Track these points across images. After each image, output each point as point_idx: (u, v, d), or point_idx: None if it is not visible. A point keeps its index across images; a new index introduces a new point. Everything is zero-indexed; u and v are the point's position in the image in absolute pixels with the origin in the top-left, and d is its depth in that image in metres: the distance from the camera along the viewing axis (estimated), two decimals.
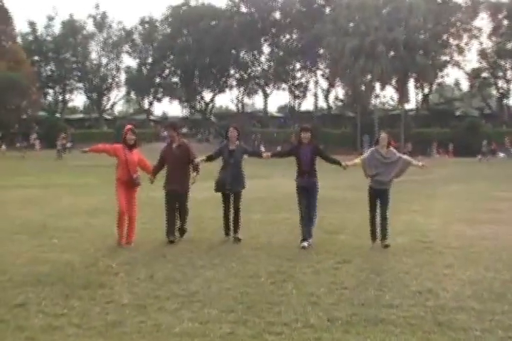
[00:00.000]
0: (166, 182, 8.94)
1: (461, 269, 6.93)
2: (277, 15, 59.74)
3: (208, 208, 11.62)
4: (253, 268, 7.10)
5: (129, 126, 8.99)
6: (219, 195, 9.19)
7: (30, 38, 63.34)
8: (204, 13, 60.00)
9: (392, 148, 8.69)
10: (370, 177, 8.63)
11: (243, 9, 60.39)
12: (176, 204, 8.93)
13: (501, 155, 38.76)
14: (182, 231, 9.04)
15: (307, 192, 8.57)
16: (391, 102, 62.99)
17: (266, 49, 61.53)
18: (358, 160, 8.87)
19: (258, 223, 10.47)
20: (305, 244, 8.28)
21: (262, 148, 41.98)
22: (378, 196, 8.60)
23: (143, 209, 10.10)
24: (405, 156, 9.03)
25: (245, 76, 62.88)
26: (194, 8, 62.05)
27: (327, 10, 55.82)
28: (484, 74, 49.51)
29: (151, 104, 66.12)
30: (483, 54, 49.09)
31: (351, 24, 49.16)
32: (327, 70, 56.67)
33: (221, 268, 7.13)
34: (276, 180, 19.37)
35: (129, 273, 6.92)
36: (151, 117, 66.96)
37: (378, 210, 8.65)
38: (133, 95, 67.52)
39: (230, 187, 8.89)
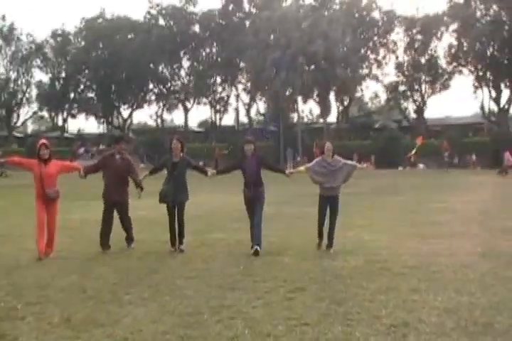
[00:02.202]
0: (105, 192, 9.14)
1: (430, 294, 6.08)
2: (196, 28, 58.77)
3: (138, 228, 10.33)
4: (192, 302, 5.96)
5: (41, 141, 8.87)
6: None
7: None
8: (120, 25, 58.14)
9: (336, 156, 9.06)
10: (319, 185, 8.96)
11: (161, 22, 58.99)
12: (114, 213, 9.16)
13: (421, 166, 39.40)
14: (129, 239, 9.35)
15: (254, 203, 8.71)
16: (309, 116, 63.41)
17: (185, 63, 60.38)
18: (302, 168, 9.24)
19: (190, 246, 9.30)
20: (257, 248, 8.37)
21: (201, 163, 40.70)
22: (328, 203, 8.92)
23: (59, 236, 8.99)
24: (349, 161, 9.35)
25: (164, 91, 61.38)
26: (110, 20, 60.02)
27: (247, 23, 55.47)
28: (401, 88, 50.64)
29: (65, 120, 63.21)
30: (399, 67, 50.26)
31: (272, 37, 49.00)
32: (248, 84, 56.22)
33: (153, 303, 5.95)
34: (205, 195, 18.21)
35: (39, 316, 5.61)
36: (66, 134, 63.97)
37: (327, 219, 8.96)
38: (45, 112, 64.24)
39: (173, 198, 8.87)
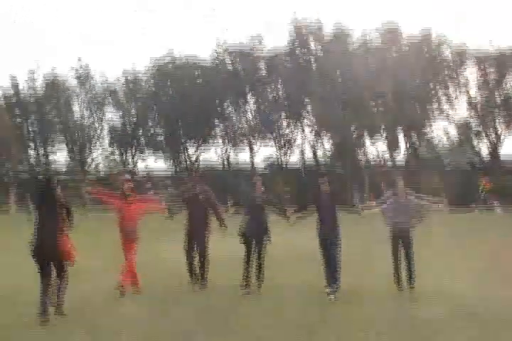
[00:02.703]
0: (187, 227, 9.45)
1: None
2: (263, 71, 59.33)
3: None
4: None
5: (125, 177, 9.43)
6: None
7: (14, 100, 61.95)
8: (187, 65, 59.34)
9: (410, 194, 8.99)
10: (391, 226, 8.85)
11: (227, 60, 59.95)
12: (196, 248, 9.33)
13: (498, 211, 37.35)
14: (204, 276, 9.41)
15: (330, 241, 8.42)
16: (376, 158, 62.11)
17: (251, 101, 60.69)
18: (376, 209, 9.07)
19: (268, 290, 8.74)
20: (331, 297, 7.91)
21: None
22: (401, 243, 8.73)
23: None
24: (420, 201, 9.16)
25: (230, 132, 61.85)
26: (177, 59, 61.22)
27: (312, 61, 55.53)
28: (475, 128, 48.91)
29: (135, 163, 64.50)
30: (472, 106, 48.70)
31: (338, 73, 48.78)
32: (314, 125, 55.89)
33: None
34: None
35: None
36: (136, 177, 65.22)
37: (403, 260, 8.82)
38: (117, 155, 65.75)
39: (254, 236, 8.80)
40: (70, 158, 65.39)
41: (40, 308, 6.95)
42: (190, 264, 9.27)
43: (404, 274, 8.76)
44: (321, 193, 8.64)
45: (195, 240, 9.21)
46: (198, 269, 9.26)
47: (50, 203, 7.38)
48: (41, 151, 64.33)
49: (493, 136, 48.42)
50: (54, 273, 7.31)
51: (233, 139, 61.84)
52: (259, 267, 8.81)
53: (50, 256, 7.19)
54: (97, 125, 64.14)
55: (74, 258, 7.47)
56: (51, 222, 7.24)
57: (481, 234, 19.42)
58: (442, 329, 6.07)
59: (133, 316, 7.06)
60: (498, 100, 47.74)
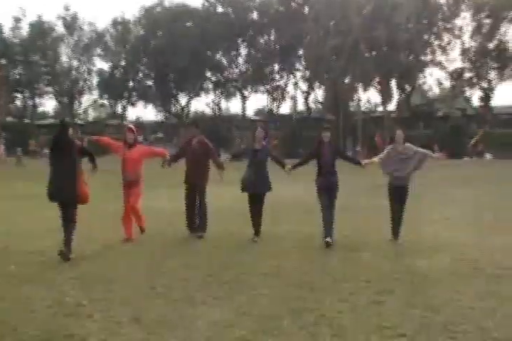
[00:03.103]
0: (186, 176, 9.23)
1: None
2: (255, 15, 58.09)
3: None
4: (269, 303, 5.47)
5: (128, 126, 9.23)
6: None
7: None
8: (178, 13, 58.03)
9: (408, 144, 8.73)
10: (389, 174, 8.68)
11: (219, 9, 58.59)
12: (196, 197, 9.15)
13: (488, 156, 37.70)
14: (203, 227, 9.17)
15: (328, 192, 8.44)
16: (368, 105, 61.85)
17: (243, 50, 59.83)
18: (375, 159, 8.89)
19: (260, 239, 8.82)
20: (328, 239, 8.10)
21: None
22: (397, 192, 8.61)
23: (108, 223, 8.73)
24: (421, 150, 8.84)
25: (222, 79, 61.10)
26: (168, 9, 60.02)
27: (306, 9, 54.35)
28: (467, 75, 48.53)
29: (124, 108, 63.93)
30: (465, 54, 48.16)
31: (332, 23, 47.84)
32: (307, 72, 55.25)
33: (227, 304, 5.48)
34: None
35: (107, 314, 5.23)
36: (125, 122, 64.73)
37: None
38: (105, 100, 65.10)
39: (253, 188, 8.71)
40: (59, 102, 64.72)
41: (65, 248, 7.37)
42: (190, 217, 9.18)
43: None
44: (322, 145, 8.54)
45: (196, 191, 9.14)
46: (197, 220, 9.22)
47: (64, 147, 7.46)
48: (29, 101, 63.58)
49: (485, 84, 48.16)
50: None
51: (225, 89, 61.25)
52: (259, 219, 8.81)
53: (66, 200, 7.46)
54: (86, 75, 63.28)
55: (88, 201, 7.71)
56: (67, 166, 7.40)
57: (474, 183, 19.51)
58: (442, 279, 6.16)
59: (125, 266, 7.09)
60: (492, 48, 47.19)
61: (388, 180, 8.75)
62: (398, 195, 8.59)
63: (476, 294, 5.65)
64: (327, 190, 8.44)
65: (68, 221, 7.60)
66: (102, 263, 7.32)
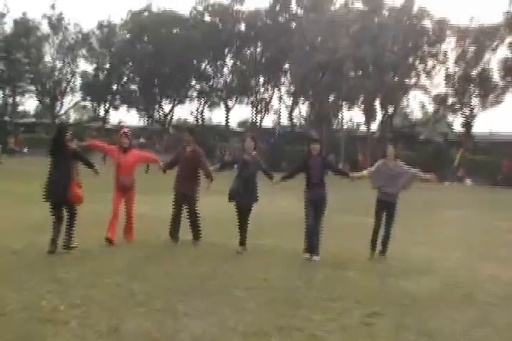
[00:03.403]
0: (176, 184, 9.10)
1: None
2: (242, 27, 58.18)
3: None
4: (255, 318, 5.24)
5: (123, 130, 9.11)
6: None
7: None
8: (166, 20, 57.90)
9: (399, 161, 8.70)
10: (377, 189, 8.60)
11: (207, 18, 58.57)
12: (184, 206, 9.04)
13: (468, 182, 37.89)
14: (196, 236, 9.06)
15: (316, 206, 8.30)
16: (349, 124, 62.13)
17: (229, 61, 59.80)
18: (365, 172, 8.88)
19: (249, 252, 8.59)
20: (316, 258, 8.03)
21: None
22: (385, 209, 8.55)
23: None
24: (413, 169, 8.89)
25: (207, 88, 60.94)
26: (156, 14, 59.84)
27: (293, 25, 54.60)
28: (451, 100, 49.04)
29: (107, 111, 63.27)
30: (449, 79, 48.71)
31: (319, 39, 48.09)
32: (292, 86, 55.38)
33: (211, 317, 5.24)
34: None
35: (84, 321, 4.96)
36: (107, 125, 64.08)
37: (383, 225, 8.61)
38: (88, 102, 64.42)
39: (240, 198, 8.52)
40: (40, 102, 63.88)
41: (50, 242, 7.64)
42: (174, 224, 8.97)
43: (379, 241, 8.65)
44: (311, 158, 8.44)
45: (184, 200, 8.97)
46: (191, 229, 9.04)
47: (60, 150, 7.80)
48: (10, 98, 62.58)
49: (468, 110, 48.70)
50: (66, 215, 7.91)
51: (209, 99, 61.04)
52: (244, 232, 8.59)
53: (61, 200, 7.79)
54: (69, 76, 62.61)
55: (82, 201, 8.01)
56: (62, 168, 7.76)
57: (460, 207, 19.49)
58: (432, 303, 5.97)
59: (105, 271, 6.80)
60: (475, 75, 47.81)
61: (377, 195, 8.66)
62: (387, 210, 8.53)
63: (469, 321, 5.47)
64: (315, 203, 8.32)
65: (69, 216, 7.95)
66: (80, 267, 7.02)
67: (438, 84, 55.80)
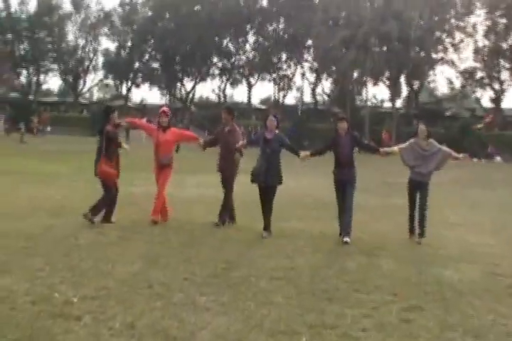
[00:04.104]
0: (217, 164, 8.97)
1: None
2: (264, 2, 57.11)
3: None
4: (282, 314, 4.79)
5: (162, 109, 9.05)
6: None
7: (3, 14, 59.45)
8: None
9: (432, 140, 8.33)
10: (410, 169, 8.39)
11: None
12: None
13: (498, 158, 36.85)
14: (231, 216, 8.92)
15: (345, 186, 8.04)
16: (373, 100, 61.04)
17: (251, 38, 58.86)
18: (395, 148, 8.63)
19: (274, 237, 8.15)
20: (347, 239, 7.74)
21: None
22: (417, 189, 8.30)
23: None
24: (445, 148, 8.55)
25: (228, 65, 60.15)
26: None
27: (316, 0, 53.34)
28: (479, 74, 47.62)
29: (129, 89, 63.02)
30: (478, 53, 47.23)
31: (343, 14, 46.89)
32: (315, 63, 54.33)
33: (235, 312, 4.81)
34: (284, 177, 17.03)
35: (99, 316, 4.56)
36: (129, 104, 63.88)
37: (417, 205, 8.35)
38: (110, 80, 64.23)
39: (263, 179, 8.09)
40: (63, 80, 63.85)
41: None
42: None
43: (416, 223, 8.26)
44: (339, 136, 8.06)
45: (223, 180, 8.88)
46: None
47: (101, 131, 8.37)
48: (34, 77, 62.61)
49: (497, 85, 47.29)
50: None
51: (231, 76, 60.25)
52: (268, 214, 8.16)
53: (94, 173, 8.43)
54: (91, 55, 62.42)
55: (108, 178, 8.37)
56: (98, 147, 8.39)
57: (491, 185, 18.70)
58: (476, 295, 5.48)
59: (121, 258, 6.45)
60: (506, 48, 46.26)
61: (409, 175, 8.39)
62: (419, 191, 8.25)
63: None
64: (345, 183, 8.01)
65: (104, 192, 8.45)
66: (96, 253, 6.64)
67: (466, 59, 54.30)
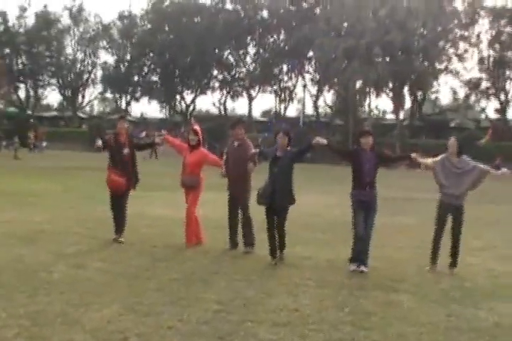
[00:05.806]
0: (228, 185, 8.38)
1: None
2: (264, 14, 56.49)
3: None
4: None
5: (192, 127, 8.74)
6: None
7: (1, 28, 58.94)
8: (187, 8, 56.54)
9: (464, 156, 7.33)
10: (440, 189, 7.41)
11: (228, 6, 57.03)
12: (238, 208, 8.20)
13: (504, 170, 35.79)
14: (249, 242, 8.06)
15: (366, 208, 7.13)
16: (375, 111, 60.29)
17: (251, 49, 58.21)
18: (429, 161, 7.54)
19: (271, 267, 7.18)
20: (364, 268, 6.92)
21: None
22: (450, 212, 7.33)
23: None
24: (481, 165, 7.42)
25: (229, 77, 59.45)
26: (176, 3, 58.46)
27: (317, 10, 52.70)
28: (484, 85, 46.80)
29: (128, 103, 62.33)
30: (482, 63, 46.46)
31: (345, 24, 46.20)
32: (316, 74, 53.61)
33: None
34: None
35: None
36: (129, 117, 63.14)
37: (447, 232, 7.35)
38: (109, 94, 63.62)
39: (270, 200, 7.25)
40: (62, 94, 63.23)
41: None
42: (232, 229, 8.14)
43: (445, 252, 7.31)
44: (362, 151, 7.12)
45: (237, 202, 8.09)
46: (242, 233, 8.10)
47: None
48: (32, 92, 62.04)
49: (503, 95, 46.46)
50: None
51: (232, 88, 59.50)
52: (280, 238, 7.35)
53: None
54: (90, 68, 61.88)
55: (117, 188, 8.33)
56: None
57: (501, 198, 17.57)
58: (507, 338, 4.55)
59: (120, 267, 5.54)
60: (511, 58, 45.50)
61: (439, 197, 7.43)
62: (452, 215, 7.31)
63: None
64: (365, 204, 7.12)
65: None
66: (68, 294, 5.66)
67: (471, 69, 53.50)
